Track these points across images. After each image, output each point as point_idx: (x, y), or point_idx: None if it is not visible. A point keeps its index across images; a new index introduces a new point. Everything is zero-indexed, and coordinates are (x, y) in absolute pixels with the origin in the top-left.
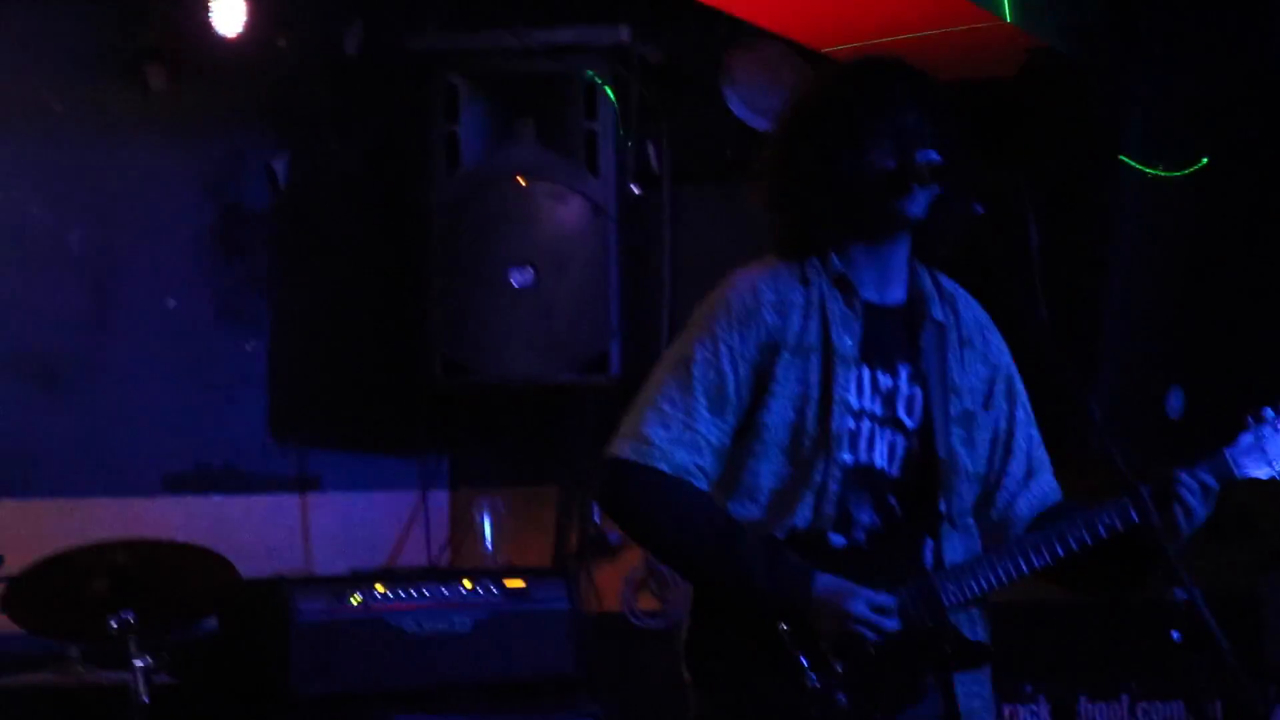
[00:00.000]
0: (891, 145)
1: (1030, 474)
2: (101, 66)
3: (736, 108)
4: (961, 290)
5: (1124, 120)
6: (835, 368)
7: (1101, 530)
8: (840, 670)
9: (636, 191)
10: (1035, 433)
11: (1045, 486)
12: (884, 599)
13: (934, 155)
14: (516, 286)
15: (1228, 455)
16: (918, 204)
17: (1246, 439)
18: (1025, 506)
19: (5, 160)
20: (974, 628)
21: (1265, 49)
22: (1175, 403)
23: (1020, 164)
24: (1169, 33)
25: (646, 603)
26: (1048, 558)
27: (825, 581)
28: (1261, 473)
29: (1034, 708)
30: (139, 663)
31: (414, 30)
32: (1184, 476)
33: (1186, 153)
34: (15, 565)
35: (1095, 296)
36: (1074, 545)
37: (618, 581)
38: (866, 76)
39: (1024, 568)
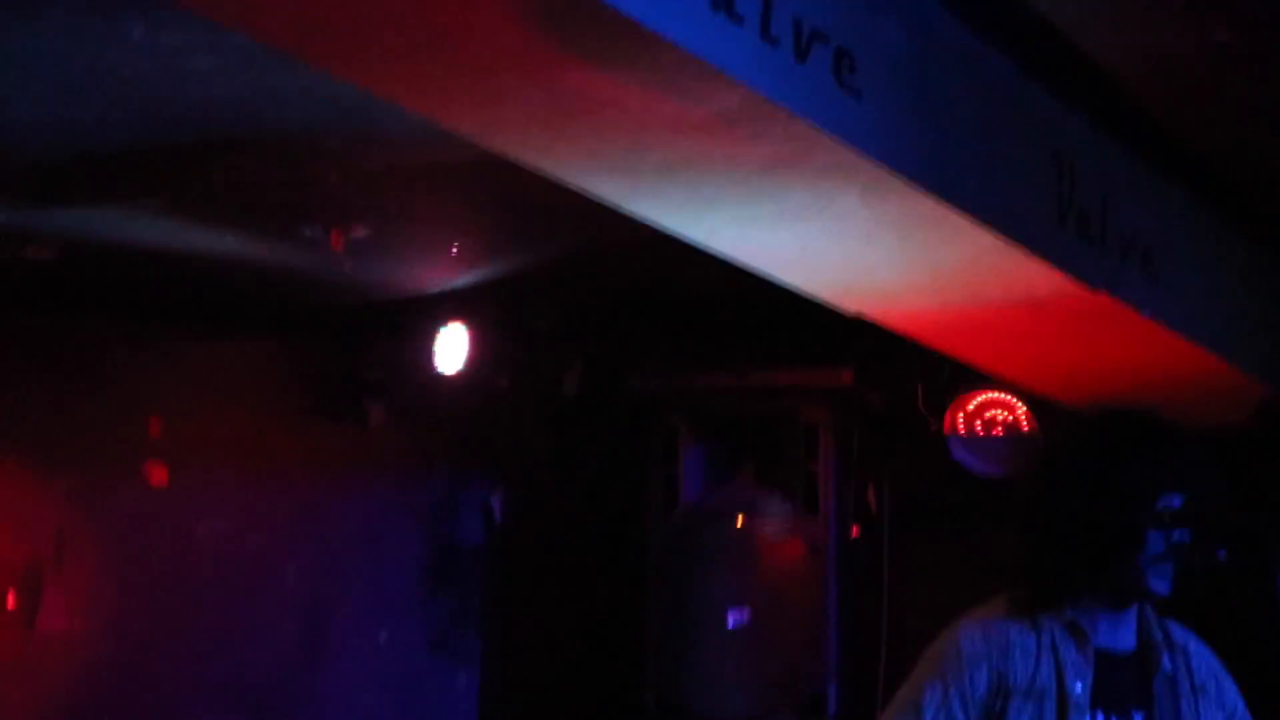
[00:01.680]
0: (1140, 496)
1: None
2: (324, 403)
3: (959, 454)
4: (1193, 636)
5: None
6: (1069, 714)
7: None
8: None
9: (856, 531)
10: None
11: None
12: None
13: (1177, 502)
14: (733, 625)
15: None
16: (1167, 579)
17: None
18: None
19: (227, 491)
20: None
21: None
22: None
23: (1261, 511)
24: None
25: None
26: None
27: None
28: None
29: None
30: None
31: (634, 371)
32: None
33: None
34: None
35: None
36: None
37: None
38: (1118, 429)
39: None
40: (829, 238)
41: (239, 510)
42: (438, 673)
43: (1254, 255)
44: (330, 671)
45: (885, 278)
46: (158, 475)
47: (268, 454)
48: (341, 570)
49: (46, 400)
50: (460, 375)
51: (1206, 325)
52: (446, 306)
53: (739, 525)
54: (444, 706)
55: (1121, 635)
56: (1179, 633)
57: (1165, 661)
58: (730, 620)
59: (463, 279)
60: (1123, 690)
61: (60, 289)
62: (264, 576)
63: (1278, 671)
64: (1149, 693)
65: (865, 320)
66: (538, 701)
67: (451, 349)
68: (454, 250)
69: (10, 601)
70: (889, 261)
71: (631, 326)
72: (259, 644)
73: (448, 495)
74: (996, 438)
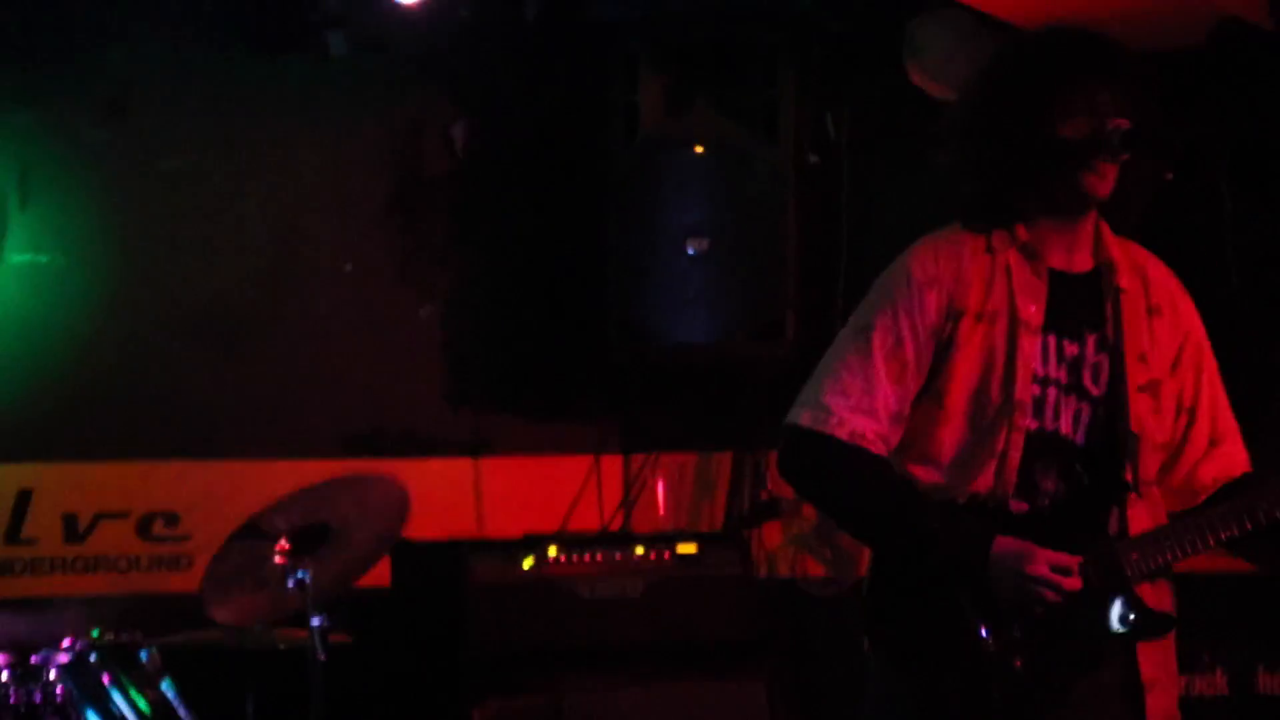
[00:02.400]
0: (1084, 115)
1: (1214, 441)
2: (282, 33)
3: (919, 77)
4: (1153, 257)
5: None
6: (1020, 335)
7: None
8: (1018, 635)
9: (814, 160)
10: (1222, 400)
11: (1231, 455)
12: (1065, 559)
13: (1125, 124)
14: (693, 253)
15: None
16: (1108, 176)
17: None
18: (1208, 474)
19: (185, 126)
20: (1159, 596)
21: None
22: None
23: (1211, 133)
24: None
25: (816, 569)
26: (1236, 531)
27: (1005, 543)
28: None
29: (1211, 678)
30: (315, 621)
31: None
32: None
33: None
34: (191, 524)
35: None
36: (1263, 520)
37: (788, 547)
38: (1057, 46)
39: (1210, 540)
40: None
41: (202, 142)
42: (403, 303)
43: None
44: (296, 302)
45: None
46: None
47: (229, 85)
48: (305, 202)
49: (9, 34)
50: (420, 2)
51: None
52: None
53: (698, 153)
54: (409, 336)
55: (1077, 255)
56: (1138, 253)
57: (1123, 279)
58: (690, 248)
59: None
60: (1076, 311)
61: None
62: (229, 209)
63: (1221, 290)
64: (1103, 314)
65: None
66: (501, 330)
67: None
68: None
69: None
70: None
71: None
72: (226, 276)
73: (410, 125)
74: (958, 60)
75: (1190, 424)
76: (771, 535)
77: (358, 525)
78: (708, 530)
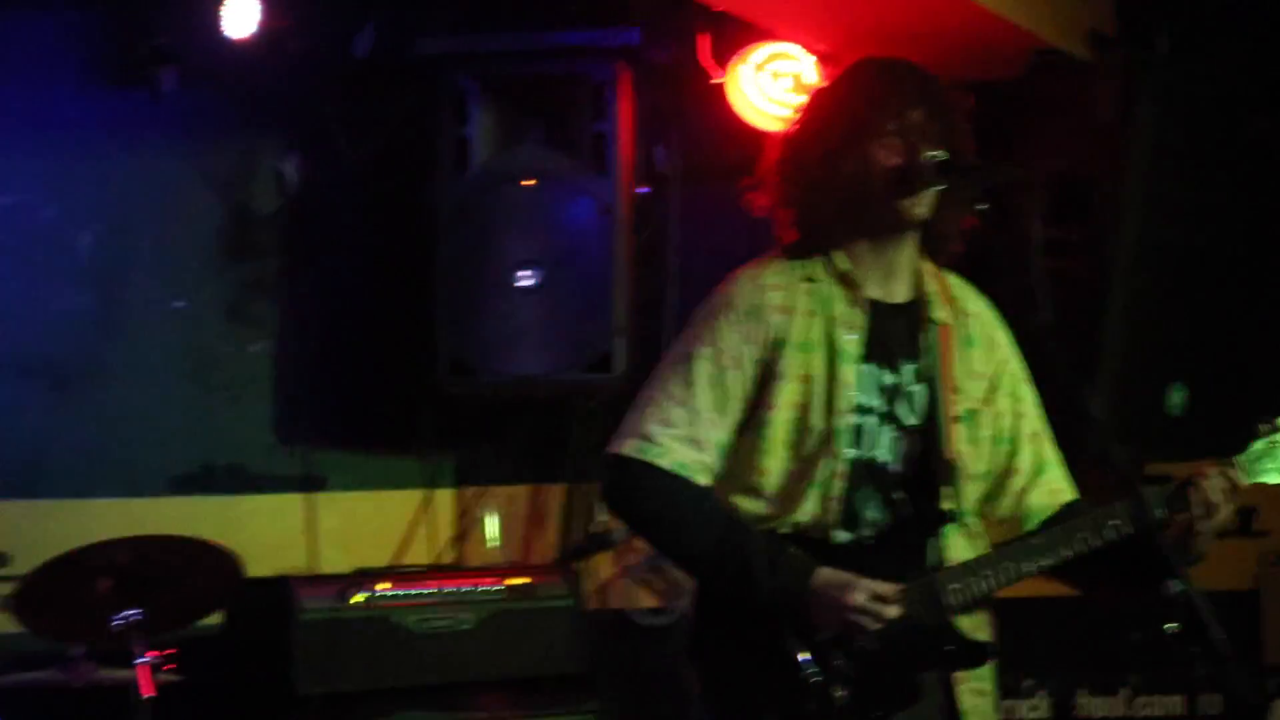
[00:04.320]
0: (898, 144)
1: (1037, 471)
2: (112, 70)
3: (744, 109)
4: (971, 289)
5: (1132, 121)
6: (839, 364)
7: (1108, 533)
8: (840, 666)
9: (644, 192)
10: (1043, 431)
11: (1054, 484)
12: (885, 587)
13: (939, 153)
14: (523, 286)
15: (1242, 461)
16: (923, 203)
17: (1259, 446)
18: (1034, 504)
19: (15, 163)
20: (977, 625)
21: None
22: (1177, 400)
23: (1026, 164)
24: (1181, 34)
25: (648, 600)
26: (1053, 560)
27: (825, 574)
28: (1272, 478)
29: (1034, 702)
30: (143, 660)
31: (423, 33)
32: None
33: (1194, 155)
34: (23, 564)
35: (1098, 294)
36: (1080, 548)
37: (620, 579)
38: (872, 76)
39: (1029, 570)
40: None
41: (30, 179)
42: (233, 341)
43: None
44: (125, 342)
45: None
46: None
47: (58, 121)
48: (135, 241)
49: None
50: (250, 39)
51: None
52: None
53: (528, 187)
54: (240, 374)
55: (895, 286)
56: (957, 285)
57: (939, 310)
58: (520, 281)
59: None
60: (893, 341)
61: None
62: (57, 245)
63: (1034, 325)
64: (919, 344)
65: None
66: (332, 365)
67: (241, 12)
68: None
69: None
70: None
71: None
72: (54, 313)
73: (240, 162)
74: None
75: (1012, 454)
76: (603, 567)
77: (187, 583)
78: (540, 563)
